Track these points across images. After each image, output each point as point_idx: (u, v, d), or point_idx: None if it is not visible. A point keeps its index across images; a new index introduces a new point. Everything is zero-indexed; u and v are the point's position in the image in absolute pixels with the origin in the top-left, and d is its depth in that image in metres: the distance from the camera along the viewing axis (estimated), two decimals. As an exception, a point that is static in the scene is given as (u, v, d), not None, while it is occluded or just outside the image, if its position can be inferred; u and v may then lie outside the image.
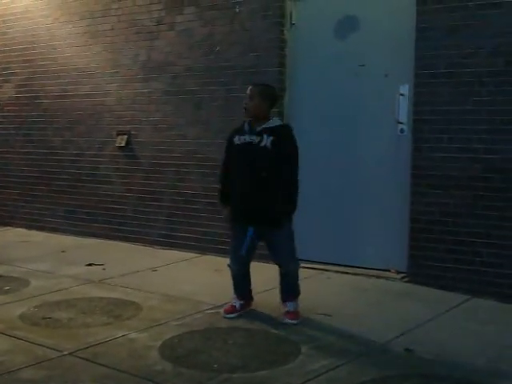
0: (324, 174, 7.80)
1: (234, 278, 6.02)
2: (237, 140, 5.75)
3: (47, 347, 5.23)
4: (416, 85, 7.00)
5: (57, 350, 5.17)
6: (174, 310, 6.23)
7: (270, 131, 5.62)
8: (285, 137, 5.70)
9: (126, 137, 9.38)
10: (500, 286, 6.56)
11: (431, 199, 6.92)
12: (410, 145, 7.07)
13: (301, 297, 6.13)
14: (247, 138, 5.68)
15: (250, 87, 5.79)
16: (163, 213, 9.07)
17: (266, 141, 5.58)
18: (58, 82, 10.13)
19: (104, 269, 7.82)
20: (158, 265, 8.01)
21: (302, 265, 7.59)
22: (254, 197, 5.63)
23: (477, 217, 6.67)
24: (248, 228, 5.71)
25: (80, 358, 5.04)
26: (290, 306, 5.86)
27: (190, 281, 7.20)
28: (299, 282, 5.97)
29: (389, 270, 7.35)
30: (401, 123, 7.23)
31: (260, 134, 5.62)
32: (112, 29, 9.48)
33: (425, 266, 6.99)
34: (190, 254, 8.51)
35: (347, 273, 7.48)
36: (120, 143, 9.42)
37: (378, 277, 7.30)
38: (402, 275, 7.22)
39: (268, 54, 8.02)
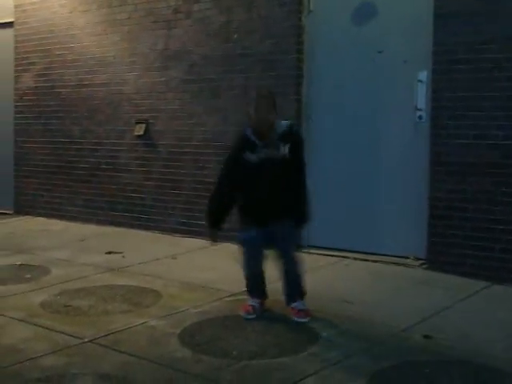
0: (342, 162, 7.80)
1: (248, 276, 5.78)
2: (251, 157, 5.45)
3: (68, 335, 5.28)
4: (434, 71, 6.98)
5: (77, 338, 5.21)
6: (194, 297, 6.26)
7: (284, 138, 5.45)
8: (298, 139, 5.65)
9: (144, 125, 9.40)
10: (521, 272, 6.56)
11: (450, 186, 6.90)
12: (429, 131, 7.06)
13: (320, 284, 6.17)
14: (264, 152, 5.44)
15: (268, 99, 5.47)
16: (182, 201, 9.10)
17: (284, 150, 5.43)
18: (75, 71, 10.18)
19: (123, 257, 7.87)
20: (177, 253, 8.05)
21: (322, 252, 7.69)
22: (276, 207, 5.52)
23: (496, 203, 6.65)
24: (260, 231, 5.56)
25: (100, 345, 5.08)
26: (297, 306, 5.59)
27: (209, 269, 7.23)
28: (304, 281, 5.71)
29: (408, 257, 7.34)
30: (419, 110, 7.21)
31: (276, 145, 5.44)
32: (129, 18, 9.51)
33: (444, 252, 6.98)
34: (208, 242, 8.53)
35: (366, 260, 7.48)
36: (138, 132, 9.45)
37: (397, 264, 7.29)
38: (421, 262, 7.21)
39: (286, 41, 8.01)
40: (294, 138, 5.54)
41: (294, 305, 5.61)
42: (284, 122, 5.58)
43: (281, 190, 5.49)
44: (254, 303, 5.72)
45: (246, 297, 5.84)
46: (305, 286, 5.67)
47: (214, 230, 5.82)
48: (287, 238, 5.61)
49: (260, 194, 5.49)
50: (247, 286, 5.82)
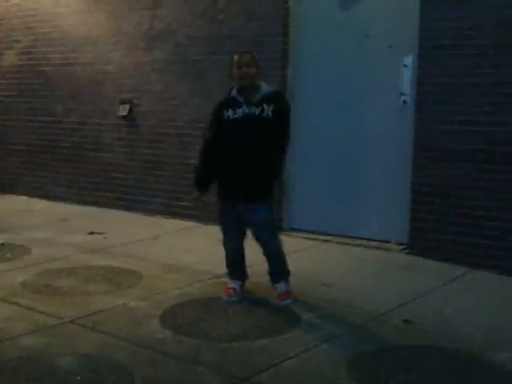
0: (326, 145, 7.79)
1: (230, 256, 5.77)
2: (231, 114, 5.39)
3: (48, 314, 5.28)
4: (420, 56, 6.97)
5: (58, 318, 5.22)
6: (175, 279, 6.27)
7: (268, 99, 5.37)
8: (283, 104, 5.52)
9: (128, 106, 9.36)
10: (501, 258, 6.57)
11: (433, 171, 6.91)
12: (413, 116, 7.06)
13: (302, 267, 6.18)
14: (245, 109, 5.36)
15: (248, 54, 5.51)
16: (165, 182, 9.08)
17: (268, 111, 5.32)
18: (60, 49, 10.10)
19: (105, 237, 7.86)
20: (159, 234, 8.05)
21: (303, 235, 7.70)
22: (252, 170, 5.36)
23: (479, 189, 6.66)
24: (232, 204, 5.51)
25: (81, 325, 5.09)
26: (280, 288, 5.62)
27: (191, 250, 7.24)
28: (287, 261, 5.71)
29: (390, 242, 7.37)
30: (404, 94, 7.21)
31: (259, 104, 5.35)
32: (115, -4, 9.46)
33: (426, 238, 7.01)
34: (191, 223, 8.54)
35: (348, 244, 7.50)
36: (122, 112, 9.41)
37: (378, 248, 7.32)
38: (403, 247, 7.24)
39: (272, 24, 7.98)
40: (279, 101, 5.46)
41: (276, 286, 5.65)
42: (267, 86, 5.52)
43: (258, 155, 5.33)
44: (234, 285, 5.71)
45: (226, 279, 5.84)
46: (287, 265, 5.70)
47: (201, 187, 5.64)
48: (261, 218, 5.53)
49: (239, 159, 5.38)
50: (227, 265, 5.82)
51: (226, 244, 5.76)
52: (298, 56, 7.95)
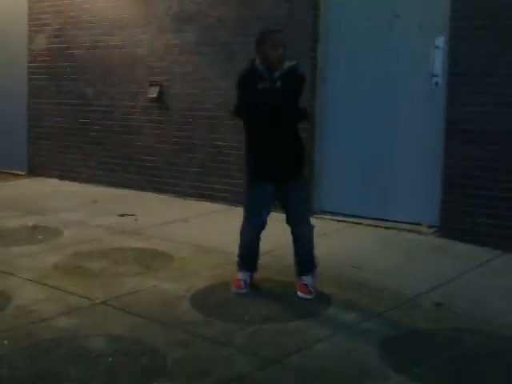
0: (357, 128, 7.74)
1: (247, 245, 5.54)
2: (259, 85, 5.26)
3: (80, 296, 5.31)
4: (452, 37, 6.88)
5: (89, 299, 5.24)
6: (206, 260, 6.27)
7: (286, 75, 5.24)
8: (298, 76, 5.41)
9: (158, 88, 9.36)
10: (533, 241, 6.52)
11: (465, 153, 6.84)
12: (445, 98, 6.99)
13: (332, 249, 6.16)
14: (267, 84, 5.23)
15: (280, 33, 5.50)
16: (195, 164, 9.08)
17: (286, 85, 5.22)
18: (90, 32, 10.12)
19: (136, 219, 7.88)
20: (189, 216, 8.05)
21: (334, 217, 7.67)
22: (281, 145, 5.27)
23: (511, 172, 6.60)
24: (267, 187, 5.34)
25: (112, 306, 5.11)
26: (307, 280, 5.37)
27: (222, 232, 7.23)
28: (313, 254, 5.48)
29: (421, 224, 7.32)
30: (435, 76, 7.13)
31: (278, 79, 5.24)
32: (144, -21, 9.44)
33: (457, 220, 6.95)
34: (221, 205, 8.54)
35: (379, 226, 7.46)
36: (152, 94, 9.41)
37: (409, 231, 7.27)
38: (434, 230, 7.19)
39: (302, 5, 7.92)
40: (295, 75, 5.34)
41: (303, 278, 5.40)
42: (290, 62, 5.36)
43: (283, 129, 5.28)
44: (244, 276, 5.50)
45: (235, 269, 5.60)
46: (315, 258, 5.50)
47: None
48: (299, 201, 5.45)
49: (264, 133, 5.28)
50: (240, 255, 5.57)
51: (245, 231, 5.51)
52: (329, 37, 7.89)
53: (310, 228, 5.48)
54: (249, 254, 5.55)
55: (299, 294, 5.34)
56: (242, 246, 5.56)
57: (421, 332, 4.69)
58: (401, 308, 5.13)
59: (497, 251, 6.54)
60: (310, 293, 5.31)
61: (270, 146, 5.29)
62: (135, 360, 4.23)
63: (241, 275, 5.51)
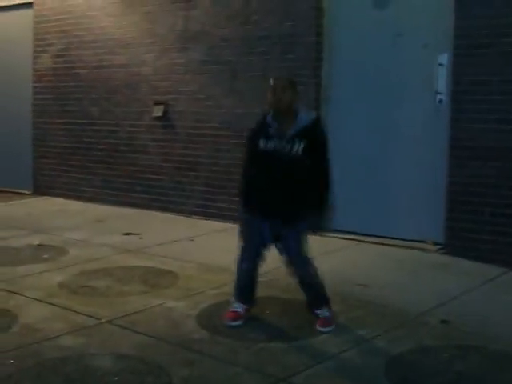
0: (361, 145, 7.76)
1: (242, 279, 5.30)
2: (263, 144, 4.99)
3: (86, 315, 5.31)
4: (455, 55, 6.92)
5: (95, 318, 5.24)
6: (211, 279, 6.28)
7: (302, 134, 4.95)
8: (317, 136, 5.08)
9: (162, 107, 9.40)
10: (539, 258, 6.52)
11: (469, 170, 6.85)
12: (449, 115, 7.01)
13: (337, 267, 6.15)
14: (276, 144, 4.96)
15: (284, 79, 5.15)
16: (200, 183, 9.10)
17: (299, 148, 4.92)
18: (94, 52, 10.18)
19: (141, 238, 7.89)
20: (195, 235, 8.06)
21: (340, 235, 7.67)
22: (289, 198, 5.01)
23: (516, 189, 6.62)
24: (264, 224, 5.10)
25: (118, 325, 5.11)
26: (322, 314, 5.16)
27: (227, 251, 7.15)
28: (325, 287, 5.23)
29: (425, 242, 7.32)
30: (439, 93, 7.16)
31: (291, 139, 4.94)
32: (148, -2, 9.50)
33: (462, 237, 6.95)
34: (226, 224, 8.54)
35: (384, 244, 7.46)
36: (157, 113, 9.45)
37: (414, 248, 7.27)
38: (439, 247, 7.19)
39: (305, 23, 7.96)
40: (314, 134, 5.05)
41: (318, 313, 5.18)
42: (308, 115, 5.12)
43: (295, 185, 5.00)
44: (239, 308, 5.25)
45: (231, 300, 5.39)
46: (326, 292, 5.24)
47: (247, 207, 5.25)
48: (294, 243, 5.14)
49: (272, 183, 5.00)
50: (236, 287, 5.34)
51: (240, 264, 5.27)
52: (332, 55, 7.93)
53: (314, 268, 5.20)
54: (244, 288, 5.32)
55: (318, 328, 5.07)
56: (237, 280, 5.33)
57: (427, 349, 4.67)
58: (407, 325, 5.13)
59: (502, 268, 6.54)
60: (328, 325, 5.08)
61: (273, 193, 5.04)
62: (141, 379, 4.23)
63: (235, 307, 5.27)
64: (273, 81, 5.08)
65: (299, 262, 5.17)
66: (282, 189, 5.00)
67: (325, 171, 5.11)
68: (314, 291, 5.23)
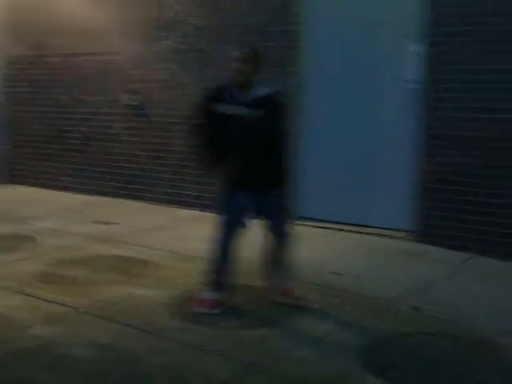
0: (337, 133, 7.77)
1: (222, 261, 5.21)
2: (221, 108, 5.09)
3: (60, 304, 5.28)
4: (432, 43, 6.92)
5: (68, 307, 5.22)
6: (186, 268, 6.27)
7: (261, 103, 5.04)
8: (279, 105, 5.19)
9: (135, 95, 9.36)
10: (511, 245, 6.57)
11: (444, 159, 6.89)
12: (425, 104, 7.03)
13: (313, 255, 6.18)
14: (236, 109, 5.05)
15: (248, 50, 5.11)
16: (173, 171, 9.09)
17: (259, 113, 5.00)
18: (67, 40, 10.08)
19: (115, 226, 7.87)
20: (168, 223, 8.07)
21: (316, 224, 7.68)
22: (253, 166, 5.06)
23: (491, 177, 6.65)
24: (242, 197, 5.13)
25: (91, 314, 5.09)
26: (290, 285, 5.33)
27: (199, 238, 7.20)
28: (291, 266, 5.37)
29: (400, 230, 7.36)
30: (415, 82, 7.17)
31: (252, 105, 5.04)
32: (122, -14, 9.44)
33: (436, 226, 7.01)
34: (199, 212, 8.54)
35: (359, 232, 7.52)
36: (130, 102, 9.42)
37: (389, 237, 7.32)
38: (413, 235, 7.23)
39: (280, 12, 7.94)
40: (275, 102, 5.14)
41: (285, 283, 5.33)
42: (269, 86, 5.18)
43: (257, 151, 5.08)
44: (214, 296, 5.21)
45: (203, 287, 5.33)
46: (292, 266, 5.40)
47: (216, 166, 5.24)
48: (279, 211, 5.31)
49: (237, 150, 5.07)
50: (215, 268, 5.24)
51: (224, 240, 5.18)
52: (308, 45, 7.91)
53: (291, 238, 5.35)
54: (223, 272, 5.24)
55: (283, 299, 5.26)
56: (216, 260, 5.23)
57: (399, 337, 4.72)
58: (380, 313, 5.16)
59: (475, 255, 6.62)
60: (294, 297, 5.27)
61: (242, 161, 5.09)
62: (113, 367, 4.22)
63: (210, 294, 5.22)
64: (238, 52, 5.11)
65: (284, 222, 5.33)
66: (246, 156, 5.05)
67: (281, 144, 5.20)
68: (287, 257, 5.33)
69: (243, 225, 5.21)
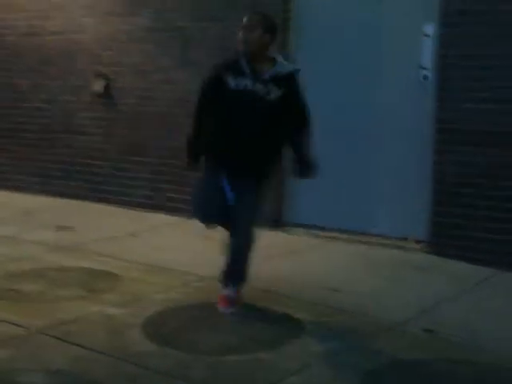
0: (336, 127, 7.75)
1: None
2: (233, 82, 5.18)
3: (13, 324, 5.26)
4: (443, 24, 6.95)
5: (24, 328, 5.20)
6: (158, 282, 6.27)
7: (279, 82, 5.18)
8: (296, 90, 5.32)
9: (104, 81, 9.35)
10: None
11: (459, 157, 6.89)
12: (435, 94, 7.05)
13: (305, 269, 6.17)
14: (249, 84, 5.16)
15: (249, 16, 5.28)
16: (147, 170, 9.07)
17: (275, 94, 5.18)
18: (25, 16, 10.07)
19: (77, 233, 7.86)
20: (138, 229, 8.07)
21: (308, 231, 7.69)
22: (252, 151, 5.27)
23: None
24: (223, 180, 5.36)
25: (50, 336, 5.07)
26: (225, 290, 5.53)
27: (176, 248, 7.24)
28: (249, 266, 5.54)
29: (407, 239, 7.37)
30: (424, 68, 7.20)
31: (267, 82, 5.17)
32: (88, -46, 9.44)
33: (450, 235, 7.00)
34: (176, 217, 8.54)
35: (359, 242, 7.52)
36: (97, 88, 9.40)
37: (394, 247, 7.33)
38: (422, 245, 7.25)
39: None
40: (290, 84, 5.26)
41: (222, 290, 5.53)
42: (287, 64, 5.37)
43: (265, 138, 5.27)
44: (230, 292, 5.51)
45: (220, 284, 5.67)
46: (247, 271, 5.56)
47: (191, 160, 5.61)
48: (248, 202, 5.40)
49: (237, 136, 5.27)
50: (227, 268, 5.53)
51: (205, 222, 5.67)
52: (302, 21, 7.92)
53: (252, 237, 5.43)
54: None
55: (218, 307, 5.47)
56: (231, 250, 5.48)
57: (408, 363, 4.72)
58: (384, 336, 5.16)
59: (494, 270, 6.61)
60: (229, 306, 5.45)
61: (238, 147, 5.30)
62: (76, 398, 4.23)
63: (227, 290, 5.53)
64: (246, 17, 5.23)
65: (242, 234, 5.41)
66: (258, 140, 5.22)
67: (307, 117, 5.39)
68: (235, 260, 5.46)
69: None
